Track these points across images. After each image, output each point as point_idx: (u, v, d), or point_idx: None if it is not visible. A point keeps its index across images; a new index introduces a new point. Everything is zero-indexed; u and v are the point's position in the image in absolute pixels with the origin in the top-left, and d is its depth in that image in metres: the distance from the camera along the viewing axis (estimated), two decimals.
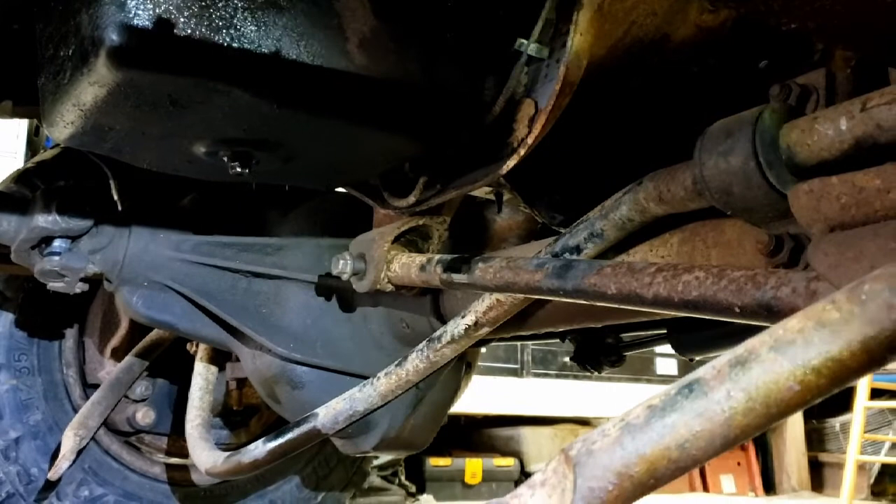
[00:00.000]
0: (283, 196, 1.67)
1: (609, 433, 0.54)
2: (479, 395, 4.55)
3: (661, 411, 0.53)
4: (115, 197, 1.60)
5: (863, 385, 4.77)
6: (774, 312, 0.75)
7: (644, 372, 5.43)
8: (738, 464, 5.91)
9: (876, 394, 5.02)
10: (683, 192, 0.90)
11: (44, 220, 1.48)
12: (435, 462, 4.67)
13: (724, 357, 0.53)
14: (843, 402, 5.31)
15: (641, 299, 0.86)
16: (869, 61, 0.90)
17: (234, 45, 0.91)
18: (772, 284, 0.75)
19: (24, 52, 1.32)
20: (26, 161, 3.29)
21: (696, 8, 1.09)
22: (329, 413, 1.47)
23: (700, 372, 0.53)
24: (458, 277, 1.19)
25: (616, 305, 0.91)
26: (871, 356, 0.49)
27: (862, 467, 5.33)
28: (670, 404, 0.53)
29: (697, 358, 1.50)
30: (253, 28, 0.92)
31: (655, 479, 0.53)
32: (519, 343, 4.80)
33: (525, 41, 1.04)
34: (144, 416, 2.06)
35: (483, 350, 2.06)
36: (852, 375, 0.50)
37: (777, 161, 0.79)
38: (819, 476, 6.06)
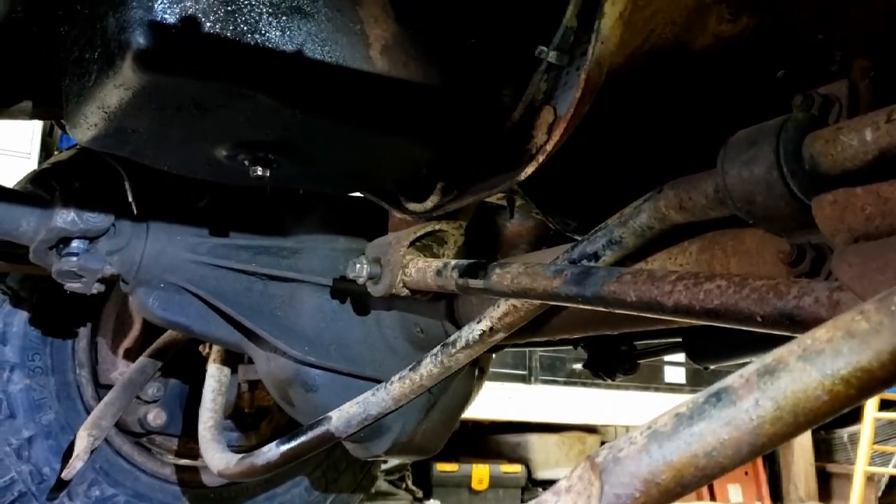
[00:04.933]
0: (299, 199, 1.68)
1: (636, 441, 0.55)
2: (487, 401, 4.54)
3: (688, 419, 0.53)
4: (130, 199, 1.61)
5: None
6: (797, 322, 0.75)
7: (652, 380, 5.42)
8: (746, 473, 5.89)
9: (885, 405, 5.00)
10: (705, 201, 0.90)
11: (62, 221, 1.49)
12: (442, 468, 4.67)
13: (753, 366, 0.53)
14: (851, 413, 5.26)
15: (662, 307, 0.86)
16: (890, 71, 0.90)
17: (259, 49, 0.92)
18: (794, 294, 0.75)
19: (43, 54, 1.33)
20: (41, 162, 3.31)
21: (715, 18, 1.09)
22: (342, 416, 1.47)
23: (728, 380, 0.53)
24: (475, 283, 1.19)
25: (636, 313, 0.91)
26: None
27: (870, 479, 5.30)
28: (698, 412, 0.53)
29: (712, 367, 1.50)
30: (277, 33, 0.93)
31: (682, 487, 0.53)
32: (527, 349, 4.80)
33: (545, 48, 1.04)
34: (156, 417, 2.06)
35: (493, 356, 2.06)
36: (881, 386, 0.50)
37: (800, 171, 0.79)
38: (827, 487, 6.03)
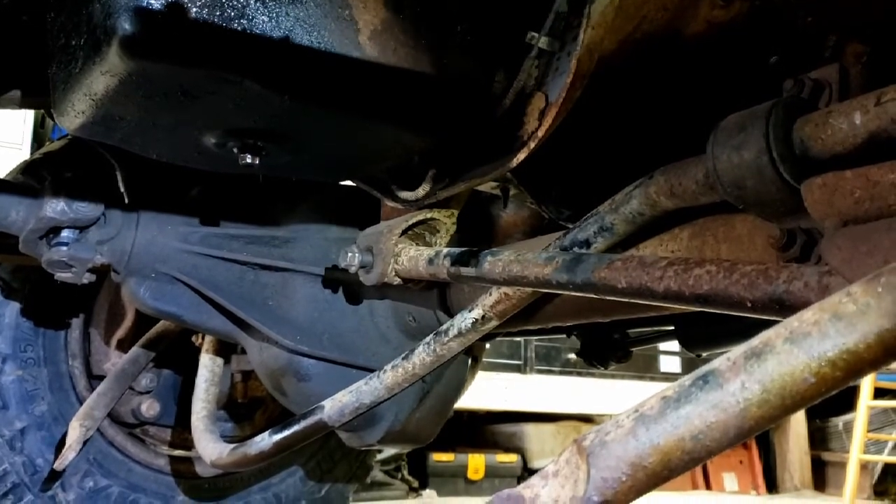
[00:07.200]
0: (291, 188, 1.67)
1: (623, 424, 0.54)
2: (483, 391, 4.55)
3: (675, 402, 0.53)
4: (122, 188, 1.60)
5: (866, 384, 4.77)
6: (786, 307, 0.74)
7: (647, 370, 5.43)
8: (741, 462, 5.91)
9: (879, 393, 5.01)
10: (695, 186, 0.90)
11: (52, 211, 1.48)
12: (438, 457, 4.67)
13: (740, 349, 0.52)
14: (846, 402, 5.30)
15: (652, 293, 0.86)
16: (882, 56, 0.89)
17: (247, 34, 0.91)
18: (784, 278, 0.75)
19: (32, 42, 1.32)
20: (33, 152, 3.30)
21: (707, 3, 1.08)
22: (335, 406, 1.47)
23: (715, 363, 0.53)
24: (467, 271, 1.19)
25: (626, 299, 0.91)
26: (888, 349, 0.48)
27: (865, 467, 5.33)
28: (685, 395, 0.53)
29: (704, 354, 1.50)
30: (265, 18, 0.92)
31: (669, 471, 0.53)
32: (522, 339, 4.80)
33: (536, 34, 1.04)
34: (149, 407, 2.06)
35: (487, 346, 2.06)
36: (868, 368, 0.50)
37: (790, 155, 0.79)
38: (822, 475, 6.06)
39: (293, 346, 1.56)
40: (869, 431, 4.85)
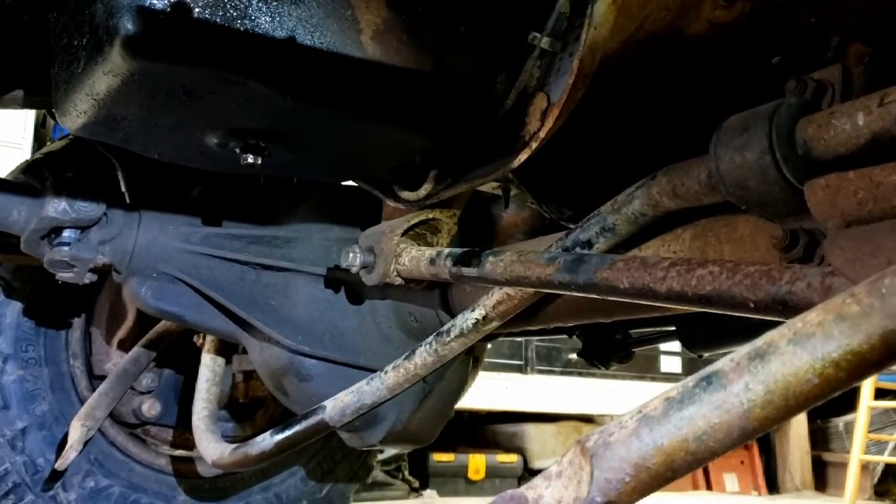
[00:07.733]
0: (293, 188, 1.67)
1: (626, 425, 0.54)
2: (484, 391, 4.55)
3: (678, 403, 0.53)
4: (123, 188, 1.60)
5: (867, 385, 4.76)
6: (789, 307, 0.74)
7: (648, 370, 5.42)
8: (742, 462, 5.91)
9: (880, 394, 5.01)
10: (698, 187, 0.90)
11: (54, 211, 1.48)
12: (438, 458, 4.67)
13: (743, 350, 0.52)
14: (847, 402, 5.30)
15: (654, 294, 0.86)
16: (884, 56, 0.89)
17: (249, 35, 0.91)
18: (787, 279, 0.75)
19: (35, 42, 1.32)
20: (33, 152, 3.30)
21: (709, 3, 1.08)
22: (337, 406, 1.47)
23: (719, 364, 0.53)
24: (468, 271, 1.19)
25: (629, 300, 0.91)
26: (891, 350, 0.48)
27: (865, 467, 5.33)
28: (688, 396, 0.53)
29: (706, 355, 1.50)
30: (268, 18, 0.92)
31: (673, 472, 0.52)
32: (523, 339, 4.80)
33: (538, 34, 1.03)
34: (150, 407, 2.05)
35: (488, 346, 2.06)
36: (872, 369, 0.50)
37: (793, 156, 0.79)
38: (822, 476, 6.05)
39: (295, 346, 1.56)
40: (870, 432, 4.85)
